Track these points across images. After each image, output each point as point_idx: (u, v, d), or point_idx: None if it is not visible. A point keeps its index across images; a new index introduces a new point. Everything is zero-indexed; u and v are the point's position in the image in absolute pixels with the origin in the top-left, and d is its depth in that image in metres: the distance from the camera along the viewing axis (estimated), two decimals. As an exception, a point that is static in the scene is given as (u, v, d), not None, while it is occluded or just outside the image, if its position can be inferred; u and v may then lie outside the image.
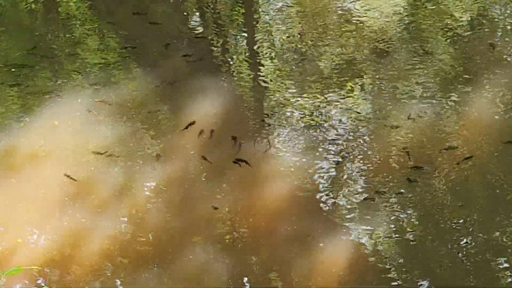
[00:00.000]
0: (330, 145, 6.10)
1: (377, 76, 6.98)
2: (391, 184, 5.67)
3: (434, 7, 8.14)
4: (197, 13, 8.72)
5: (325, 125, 6.35)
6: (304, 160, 5.97)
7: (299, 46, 7.61)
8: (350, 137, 6.18)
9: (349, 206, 5.51)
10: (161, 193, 5.76)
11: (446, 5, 8.17)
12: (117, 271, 5.14)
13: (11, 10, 9.72)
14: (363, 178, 5.74)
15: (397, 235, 5.25)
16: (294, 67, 7.26)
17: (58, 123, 6.69)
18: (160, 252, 5.25)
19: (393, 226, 5.31)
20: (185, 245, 5.27)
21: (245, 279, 5.01)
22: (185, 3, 9.02)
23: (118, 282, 5.07)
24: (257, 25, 8.21)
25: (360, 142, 6.12)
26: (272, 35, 7.96)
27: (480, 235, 5.20)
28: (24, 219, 5.61)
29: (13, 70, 7.82)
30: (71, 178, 5.91)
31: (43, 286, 4.96)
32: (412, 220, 5.38)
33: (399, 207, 5.47)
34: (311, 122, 6.40)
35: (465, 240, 5.15)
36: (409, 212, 5.43)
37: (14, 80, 7.49)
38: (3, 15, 9.53)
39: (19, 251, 5.31)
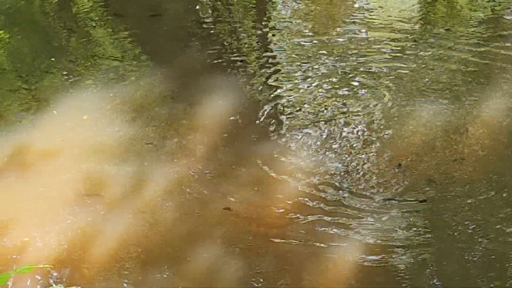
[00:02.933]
0: (341, 147, 6.07)
1: (389, 76, 6.95)
2: (404, 188, 5.63)
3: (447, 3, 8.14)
4: (211, 12, 8.73)
5: (337, 126, 6.33)
6: (317, 160, 5.94)
7: (311, 45, 7.62)
8: (363, 139, 6.15)
9: (363, 208, 5.48)
10: (174, 192, 5.75)
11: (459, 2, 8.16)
12: (128, 270, 5.14)
13: (25, 9, 9.76)
14: (378, 180, 5.71)
15: (413, 241, 5.17)
16: (305, 68, 7.24)
17: (70, 121, 6.72)
18: (172, 252, 5.25)
19: (408, 230, 5.24)
20: (195, 245, 5.26)
21: (256, 280, 4.99)
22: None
23: (129, 281, 5.06)
24: (270, 29, 8.21)
25: (373, 144, 6.09)
26: (283, 34, 7.95)
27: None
28: (33, 217, 5.62)
29: (25, 69, 7.88)
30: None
31: (53, 285, 4.96)
32: (428, 224, 5.30)
33: (416, 210, 5.40)
34: (322, 123, 6.37)
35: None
36: (426, 215, 5.36)
37: (25, 80, 7.56)
38: (17, 14, 9.58)
39: (27, 250, 5.31)
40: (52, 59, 7.82)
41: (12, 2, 10.08)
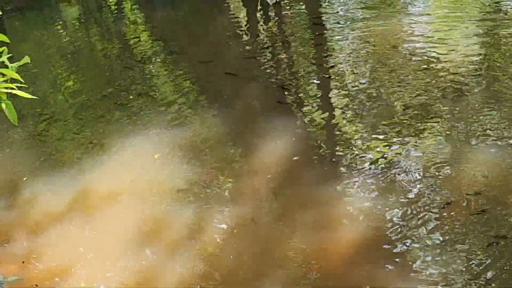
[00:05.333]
0: (402, 189, 5.98)
1: (451, 119, 6.84)
2: (466, 230, 5.50)
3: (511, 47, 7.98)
4: (272, 62, 8.77)
5: (398, 168, 6.23)
6: (375, 204, 5.87)
7: (371, 87, 7.57)
8: (423, 181, 6.04)
9: (423, 253, 5.36)
10: (233, 233, 5.75)
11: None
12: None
13: (87, 53, 9.98)
14: (438, 223, 5.59)
15: (478, 280, 5.00)
16: (365, 109, 7.19)
17: (130, 164, 6.81)
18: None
19: (472, 276, 5.09)
20: (256, 285, 5.23)
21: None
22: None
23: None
24: (329, 70, 8.19)
25: (433, 186, 5.97)
26: (343, 77, 7.93)
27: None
28: (94, 261, 5.68)
29: (88, 109, 8.03)
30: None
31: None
32: (493, 273, 5.10)
33: (477, 254, 5.25)
34: (383, 165, 6.29)
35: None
36: (489, 262, 5.18)
37: (85, 123, 7.71)
38: (80, 58, 9.79)
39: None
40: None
41: (76, 47, 10.32)
